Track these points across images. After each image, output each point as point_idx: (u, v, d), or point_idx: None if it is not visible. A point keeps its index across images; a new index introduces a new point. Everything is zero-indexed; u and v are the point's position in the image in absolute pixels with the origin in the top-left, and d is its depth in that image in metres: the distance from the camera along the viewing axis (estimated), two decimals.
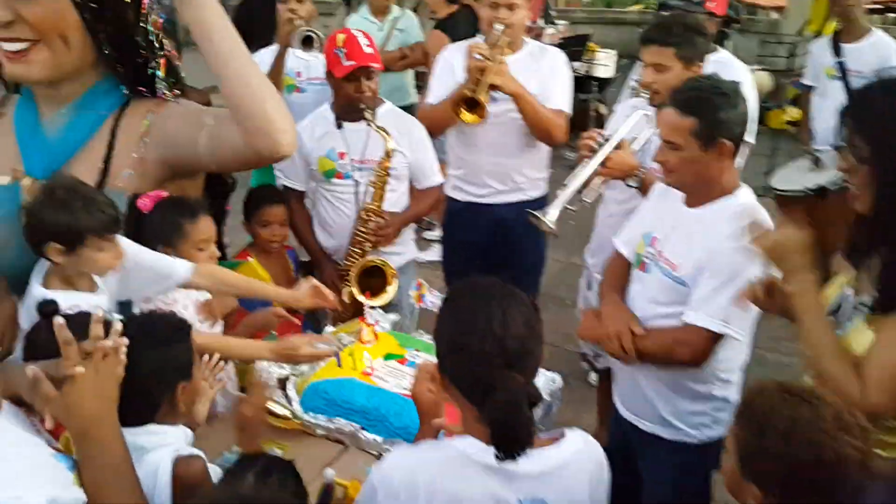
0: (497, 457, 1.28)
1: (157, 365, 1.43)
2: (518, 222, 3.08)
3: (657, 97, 2.52)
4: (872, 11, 7.71)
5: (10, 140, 2.12)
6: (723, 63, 2.88)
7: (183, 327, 1.52)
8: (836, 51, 4.41)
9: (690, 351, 1.98)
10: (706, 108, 1.91)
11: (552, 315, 4.24)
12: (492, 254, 3.23)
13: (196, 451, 1.49)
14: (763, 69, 8.48)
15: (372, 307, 2.53)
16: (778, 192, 3.16)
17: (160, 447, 1.42)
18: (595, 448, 1.46)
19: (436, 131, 3.07)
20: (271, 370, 2.16)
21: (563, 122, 2.99)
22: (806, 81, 4.76)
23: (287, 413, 2.08)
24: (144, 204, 2.06)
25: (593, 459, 1.44)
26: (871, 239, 1.56)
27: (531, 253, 3.26)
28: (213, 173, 2.32)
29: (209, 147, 2.01)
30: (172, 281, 2.02)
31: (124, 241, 1.83)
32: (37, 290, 1.75)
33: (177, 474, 1.39)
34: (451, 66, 3.01)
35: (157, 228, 2.07)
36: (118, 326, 1.31)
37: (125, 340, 1.30)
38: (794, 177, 3.27)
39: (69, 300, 1.66)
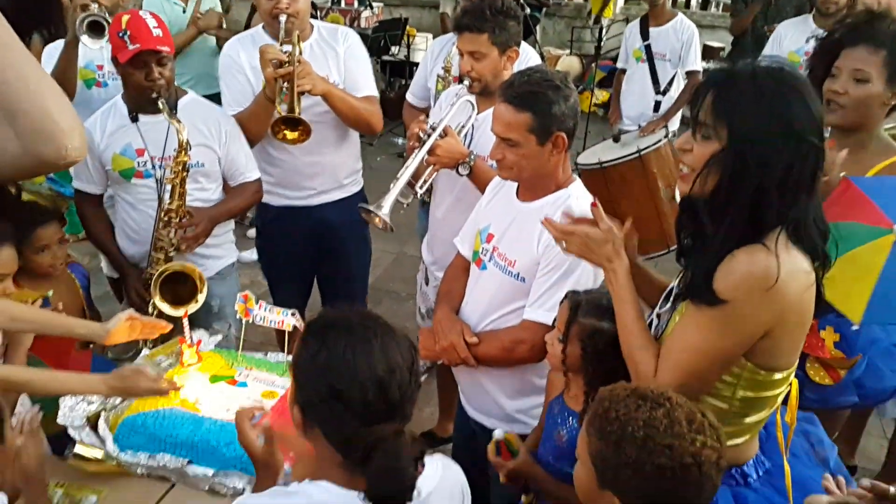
0: None
1: None
2: (342, 221, 2.95)
3: (477, 85, 2.49)
4: None
5: None
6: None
7: None
8: (644, 35, 4.65)
9: (530, 347, 1.96)
10: (541, 102, 1.87)
11: (387, 309, 4.16)
12: (316, 258, 3.06)
13: None
14: (573, 53, 8.89)
15: (189, 322, 2.25)
16: (580, 167, 3.31)
17: None
18: (454, 471, 1.38)
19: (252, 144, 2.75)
20: (77, 408, 1.88)
21: (378, 108, 2.84)
22: (620, 64, 4.95)
23: (98, 454, 1.83)
24: None
25: (455, 482, 1.37)
26: (699, 221, 1.44)
27: (358, 251, 3.12)
28: None
29: None
30: None
31: None
32: None
33: None
34: (239, 67, 2.72)
35: None
36: None
37: None
38: (596, 152, 3.43)
39: None
